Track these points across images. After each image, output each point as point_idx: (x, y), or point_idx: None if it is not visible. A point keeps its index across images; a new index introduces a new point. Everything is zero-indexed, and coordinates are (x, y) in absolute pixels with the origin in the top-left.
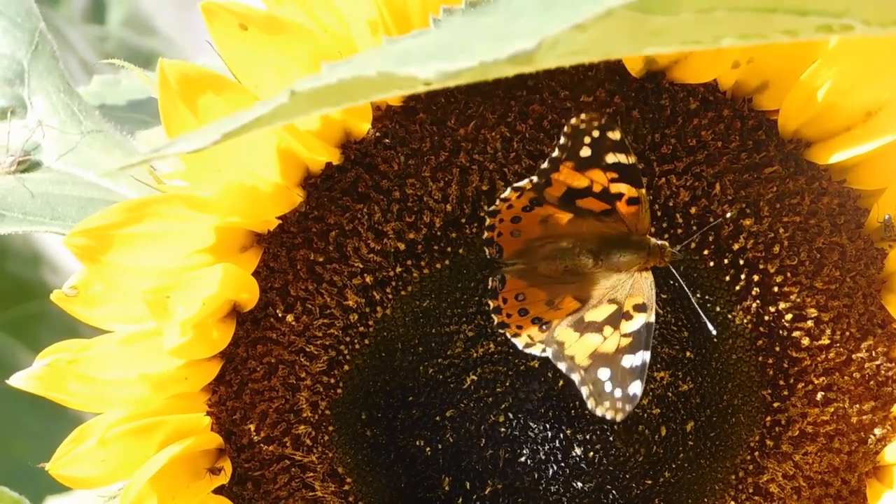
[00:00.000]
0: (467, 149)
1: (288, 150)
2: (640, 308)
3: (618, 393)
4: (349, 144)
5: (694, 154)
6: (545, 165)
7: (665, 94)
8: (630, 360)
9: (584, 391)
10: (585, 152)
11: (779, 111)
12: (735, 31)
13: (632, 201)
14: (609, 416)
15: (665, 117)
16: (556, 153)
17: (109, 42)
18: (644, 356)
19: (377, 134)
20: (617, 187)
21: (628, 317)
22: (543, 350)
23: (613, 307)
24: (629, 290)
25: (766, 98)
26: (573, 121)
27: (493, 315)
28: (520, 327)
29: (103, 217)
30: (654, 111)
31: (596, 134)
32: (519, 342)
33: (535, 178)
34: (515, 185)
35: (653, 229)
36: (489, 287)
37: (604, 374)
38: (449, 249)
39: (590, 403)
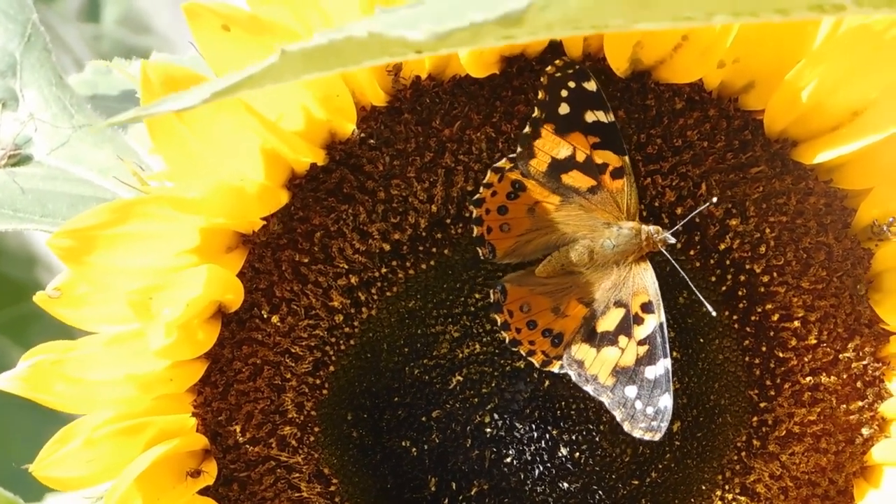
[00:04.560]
0: (452, 149)
1: (273, 151)
2: (648, 308)
3: (649, 410)
4: (334, 145)
5: (680, 154)
6: (526, 130)
7: (650, 93)
8: (653, 371)
9: (618, 415)
10: (564, 109)
11: (765, 111)
12: (728, 7)
13: (616, 174)
14: (648, 437)
15: (650, 117)
16: (536, 112)
17: (104, 40)
18: (665, 364)
19: (362, 135)
20: (600, 155)
21: (639, 320)
22: (562, 367)
23: (622, 311)
24: (632, 287)
25: (752, 98)
26: (548, 69)
27: (502, 332)
28: (532, 342)
29: (88, 218)
30: (639, 111)
31: (572, 85)
32: (535, 360)
33: (513, 155)
34: (494, 165)
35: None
36: (492, 300)
37: (631, 392)
38: (434, 250)
39: (626, 426)
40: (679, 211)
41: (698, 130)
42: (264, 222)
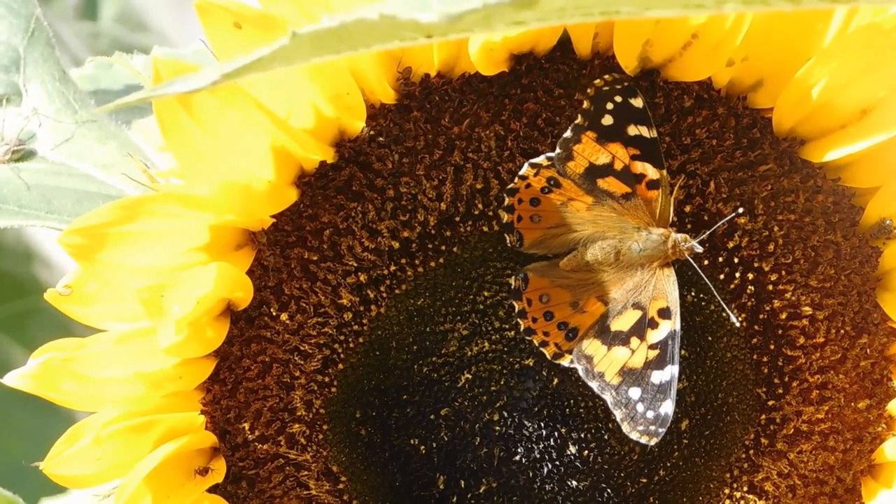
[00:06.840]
0: (461, 147)
1: (282, 149)
2: (665, 314)
3: (650, 415)
4: (343, 143)
5: (688, 152)
6: (568, 134)
7: (659, 91)
8: (659, 377)
9: (618, 414)
10: (608, 120)
11: (773, 109)
12: None
13: (652, 185)
14: (644, 440)
15: (659, 115)
16: (579, 119)
17: (102, 39)
18: (672, 371)
19: (371, 132)
20: (638, 167)
21: (654, 325)
22: (572, 362)
23: (638, 313)
24: (652, 291)
25: (761, 96)
26: (597, 82)
27: (518, 320)
28: (546, 334)
29: (98, 215)
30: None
31: (619, 99)
32: (547, 352)
33: (552, 154)
34: (532, 160)
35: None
36: (513, 287)
37: (634, 393)
38: (443, 248)
39: (625, 427)
40: (687, 209)
41: (707, 128)
42: (273, 220)
